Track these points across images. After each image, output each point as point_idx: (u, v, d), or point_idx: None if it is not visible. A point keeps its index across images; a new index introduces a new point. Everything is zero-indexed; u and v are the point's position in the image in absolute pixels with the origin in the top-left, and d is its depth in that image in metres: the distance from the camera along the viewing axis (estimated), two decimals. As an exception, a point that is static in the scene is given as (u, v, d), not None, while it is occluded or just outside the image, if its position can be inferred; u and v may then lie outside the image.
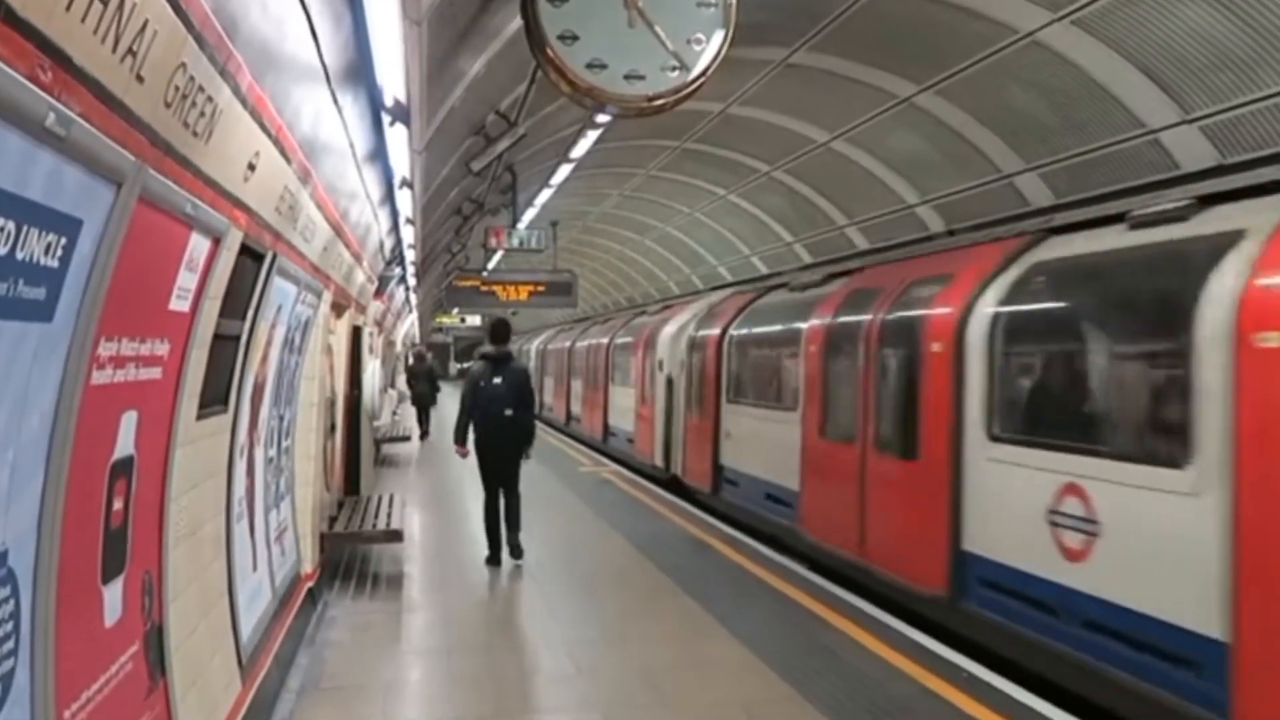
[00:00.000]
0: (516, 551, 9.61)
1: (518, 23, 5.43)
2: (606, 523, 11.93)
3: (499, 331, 9.82)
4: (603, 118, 10.59)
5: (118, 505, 3.17)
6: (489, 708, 5.83)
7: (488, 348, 9.77)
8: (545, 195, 16.35)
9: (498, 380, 9.43)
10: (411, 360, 27.24)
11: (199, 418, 4.06)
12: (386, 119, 5.81)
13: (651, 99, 5.08)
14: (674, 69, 5.07)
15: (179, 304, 3.41)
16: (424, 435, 22.79)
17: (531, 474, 16.40)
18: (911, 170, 11.66)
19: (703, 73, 5.11)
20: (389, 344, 24.79)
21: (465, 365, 45.22)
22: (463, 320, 38.91)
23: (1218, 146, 7.67)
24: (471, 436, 9.62)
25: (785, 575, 9.13)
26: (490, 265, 21.63)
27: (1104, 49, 7.68)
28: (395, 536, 9.13)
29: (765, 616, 7.73)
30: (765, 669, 6.44)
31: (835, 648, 6.91)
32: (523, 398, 9.57)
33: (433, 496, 14.45)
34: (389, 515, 9.63)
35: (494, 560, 9.59)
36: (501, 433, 9.47)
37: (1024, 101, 9.01)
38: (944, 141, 10.47)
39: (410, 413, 24.74)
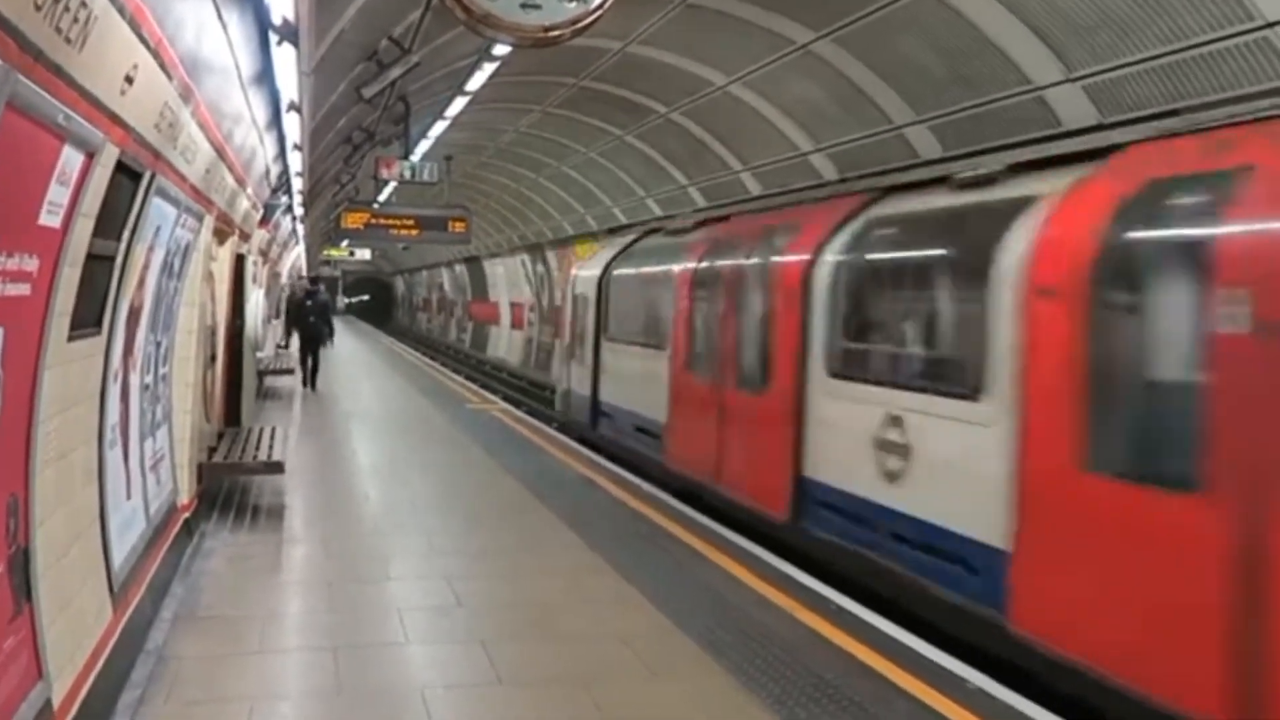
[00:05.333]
0: (314, 386, 18.77)
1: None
2: (494, 459, 11.94)
3: (315, 280, 20.69)
4: (500, 49, 10.45)
5: (-18, 425, 3.07)
6: (369, 637, 5.84)
7: (309, 286, 20.73)
8: (440, 128, 16.08)
9: (310, 303, 19.22)
10: (299, 294, 28.76)
11: (70, 339, 3.94)
12: (274, 38, 5.62)
13: (548, 29, 5.02)
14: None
15: (49, 219, 3.29)
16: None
17: (417, 409, 16.48)
18: (807, 118, 11.78)
19: (601, 4, 5.07)
20: (274, 275, 24.50)
21: (351, 300, 72.69)
22: (352, 254, 38.02)
23: (1098, 106, 7.93)
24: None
25: (666, 511, 9.29)
26: (381, 198, 21.18)
27: (994, 3, 7.83)
28: (276, 468, 9.04)
29: (646, 552, 7.88)
30: (645, 602, 6.59)
31: (712, 582, 7.09)
32: (324, 314, 19.52)
33: (316, 429, 14.25)
34: (270, 447, 9.55)
35: (305, 385, 18.86)
36: (312, 329, 18.94)
37: (917, 53, 9.15)
38: (839, 90, 10.59)
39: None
